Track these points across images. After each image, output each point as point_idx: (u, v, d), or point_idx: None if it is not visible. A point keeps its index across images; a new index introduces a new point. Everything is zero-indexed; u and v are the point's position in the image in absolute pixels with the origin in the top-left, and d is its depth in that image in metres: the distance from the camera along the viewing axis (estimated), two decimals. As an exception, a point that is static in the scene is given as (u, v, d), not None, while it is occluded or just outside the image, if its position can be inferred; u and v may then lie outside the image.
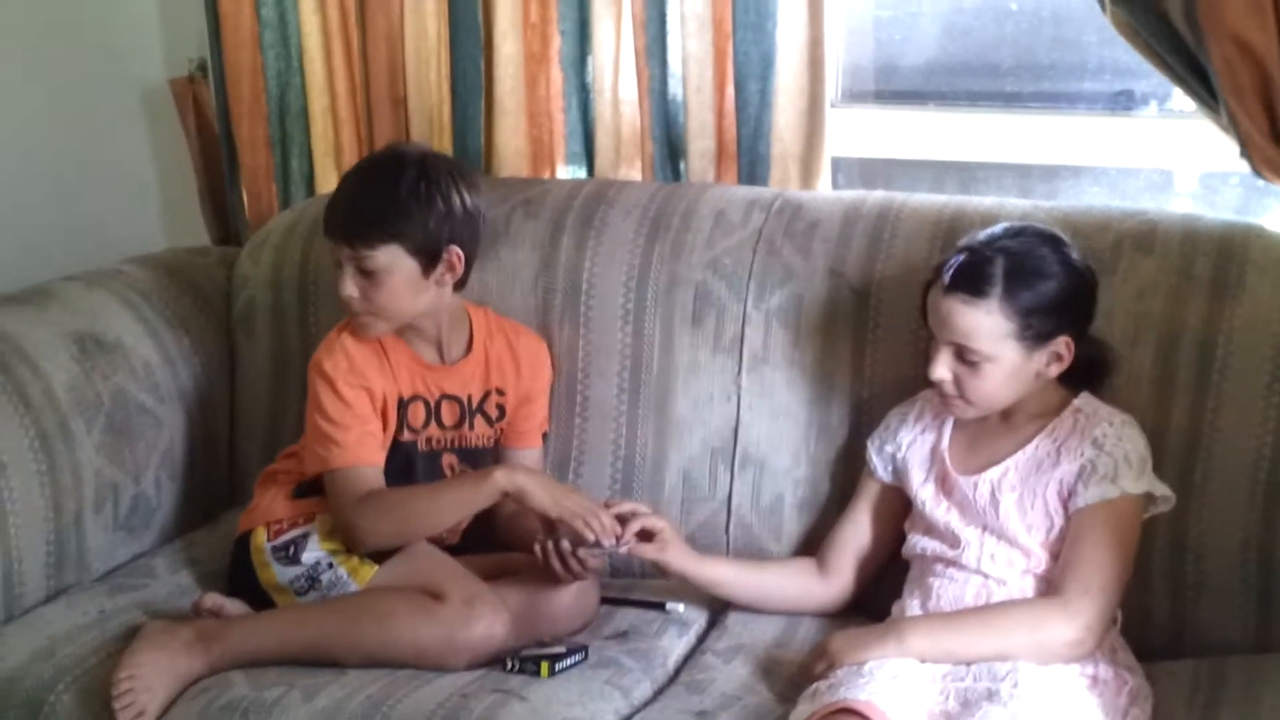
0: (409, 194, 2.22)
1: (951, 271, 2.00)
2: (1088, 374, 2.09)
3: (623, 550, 2.15)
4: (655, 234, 2.47)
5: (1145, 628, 2.12)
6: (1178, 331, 2.18)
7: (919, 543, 2.12)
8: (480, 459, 2.37)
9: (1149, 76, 2.59)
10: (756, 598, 2.26)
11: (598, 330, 2.46)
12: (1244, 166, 2.20)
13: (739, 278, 2.41)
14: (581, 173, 2.73)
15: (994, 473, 2.06)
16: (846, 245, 2.38)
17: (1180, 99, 2.57)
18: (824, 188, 2.61)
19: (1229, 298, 2.18)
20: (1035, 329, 1.99)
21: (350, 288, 2.23)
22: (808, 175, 2.61)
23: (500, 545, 2.38)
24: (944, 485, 2.11)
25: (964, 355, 2.00)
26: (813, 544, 2.34)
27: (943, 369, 2.02)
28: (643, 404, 2.44)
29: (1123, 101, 2.62)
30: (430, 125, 2.77)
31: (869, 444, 2.23)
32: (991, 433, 2.09)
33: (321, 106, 2.81)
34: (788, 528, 2.37)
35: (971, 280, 1.99)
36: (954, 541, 2.07)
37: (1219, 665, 2.07)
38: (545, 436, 2.45)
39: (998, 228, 2.07)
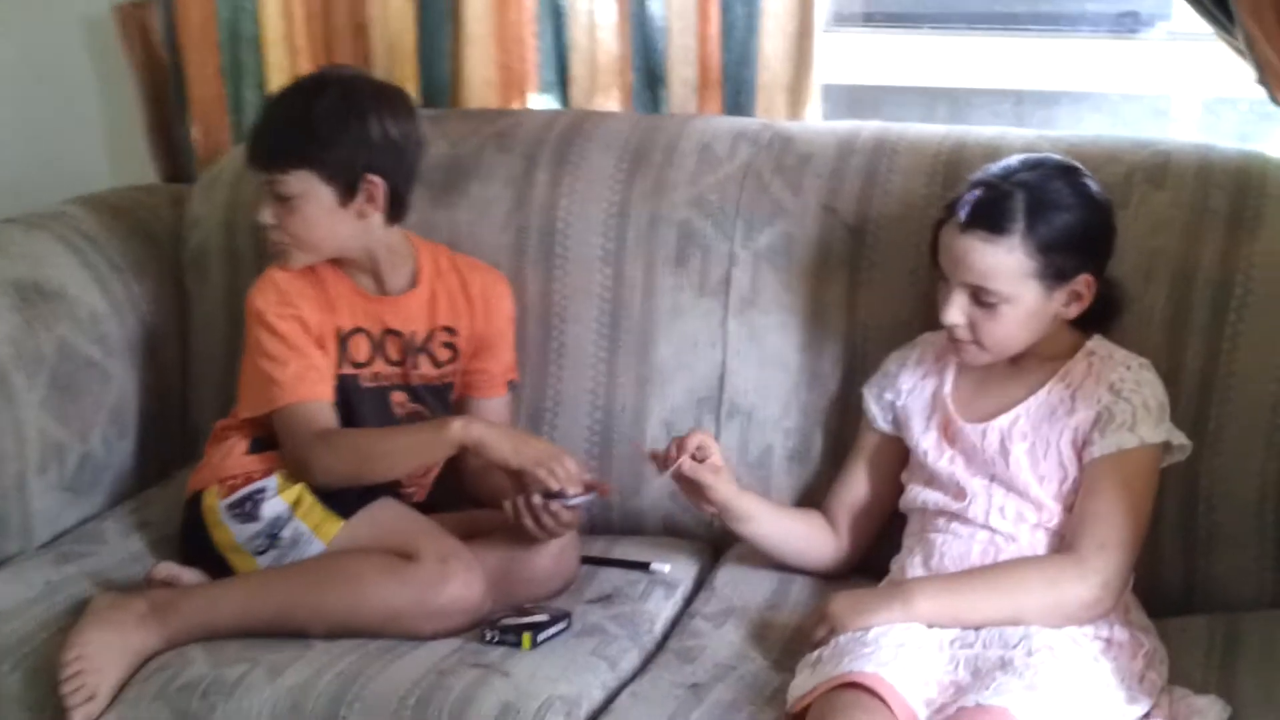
0: (324, 117, 2.08)
1: (968, 208, 1.86)
2: (1099, 315, 1.96)
3: (669, 472, 2.02)
4: (636, 169, 2.32)
5: (1155, 582, 2.01)
6: (1192, 269, 2.06)
7: (920, 495, 1.99)
8: (432, 398, 2.24)
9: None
10: (777, 542, 2.11)
11: (574, 272, 2.32)
12: (1256, 92, 2.09)
13: (725, 216, 2.27)
14: (555, 103, 2.57)
15: (1003, 420, 1.93)
16: (840, 180, 2.24)
17: (1181, 18, 2.45)
18: (813, 118, 2.47)
19: (1245, 233, 2.06)
20: (1057, 266, 1.87)
21: (266, 214, 2.13)
22: (796, 105, 2.46)
23: (471, 502, 2.25)
24: (947, 433, 1.98)
25: (980, 297, 1.87)
26: (804, 498, 2.22)
27: (956, 312, 1.89)
28: (623, 350, 2.30)
29: (1128, 23, 2.47)
30: (393, 53, 2.60)
31: (866, 392, 2.09)
32: (999, 378, 1.97)
33: (277, 33, 2.64)
34: (778, 481, 2.24)
35: (991, 217, 1.86)
36: (959, 493, 1.94)
37: (1233, 622, 1.97)
38: (514, 385, 2.31)
39: (1012, 160, 1.93)
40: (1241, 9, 2.05)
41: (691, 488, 2.02)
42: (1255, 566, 2.03)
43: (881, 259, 2.19)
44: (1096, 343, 1.96)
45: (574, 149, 2.36)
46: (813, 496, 2.20)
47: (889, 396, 2.06)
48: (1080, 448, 1.89)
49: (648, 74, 2.50)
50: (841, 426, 2.21)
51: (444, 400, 2.25)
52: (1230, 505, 2.03)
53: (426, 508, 2.19)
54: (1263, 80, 2.10)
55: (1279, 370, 2.01)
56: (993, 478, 1.93)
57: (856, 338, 2.21)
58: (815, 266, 2.22)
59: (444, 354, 2.24)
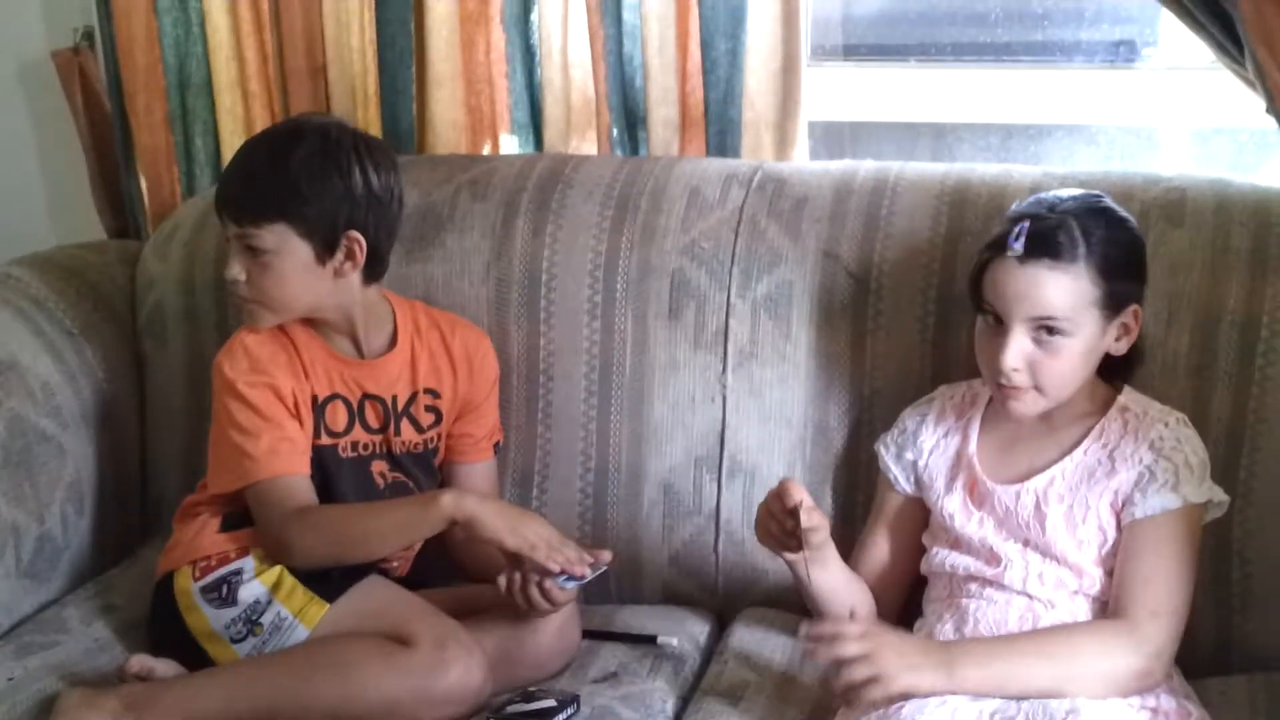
0: (302, 168, 1.94)
1: (1023, 239, 1.76)
2: (1122, 362, 1.86)
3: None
4: (622, 216, 2.20)
5: (1189, 641, 1.87)
6: (1216, 312, 1.97)
7: (946, 558, 1.88)
8: (414, 467, 2.10)
9: (1142, 22, 2.39)
10: (836, 587, 1.91)
11: (561, 326, 2.19)
12: (1251, 122, 2.07)
13: (720, 263, 2.15)
14: (528, 146, 2.45)
15: (1038, 481, 1.83)
16: (840, 224, 2.13)
17: (1169, 47, 2.38)
18: (800, 157, 2.36)
19: (1271, 273, 1.97)
20: (1115, 293, 1.79)
21: (236, 269, 1.98)
22: (783, 143, 2.36)
23: (458, 573, 2.11)
24: (974, 495, 1.87)
25: (1042, 335, 1.77)
26: (813, 559, 2.10)
27: (1016, 355, 1.77)
28: (615, 409, 2.18)
29: (1123, 53, 2.39)
30: (354, 97, 2.46)
31: (882, 450, 1.98)
32: (1029, 437, 1.86)
33: (228, 78, 2.49)
34: (785, 543, 2.13)
35: (1052, 244, 1.76)
36: (992, 558, 1.83)
37: (1274, 683, 1.88)
38: (498, 447, 2.18)
39: (1044, 194, 1.85)
40: (1251, 36, 1.97)
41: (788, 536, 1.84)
42: (1293, 622, 1.94)
43: (888, 306, 2.08)
44: (1129, 397, 1.86)
45: (555, 195, 2.23)
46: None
47: (910, 456, 1.94)
48: (1120, 509, 1.79)
49: (626, 114, 2.38)
50: (850, 484, 2.10)
51: (428, 467, 2.12)
52: (1265, 559, 1.94)
53: (412, 582, 2.06)
54: (1273, 110, 2.02)
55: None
56: (1028, 542, 1.82)
57: (864, 390, 2.10)
58: (817, 316, 2.11)
59: (427, 418, 2.10)
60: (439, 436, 2.12)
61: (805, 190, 2.17)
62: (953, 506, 1.88)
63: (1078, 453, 1.83)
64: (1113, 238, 1.79)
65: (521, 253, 2.21)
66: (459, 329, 2.15)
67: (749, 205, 2.18)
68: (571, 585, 1.89)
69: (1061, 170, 2.17)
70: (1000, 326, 1.78)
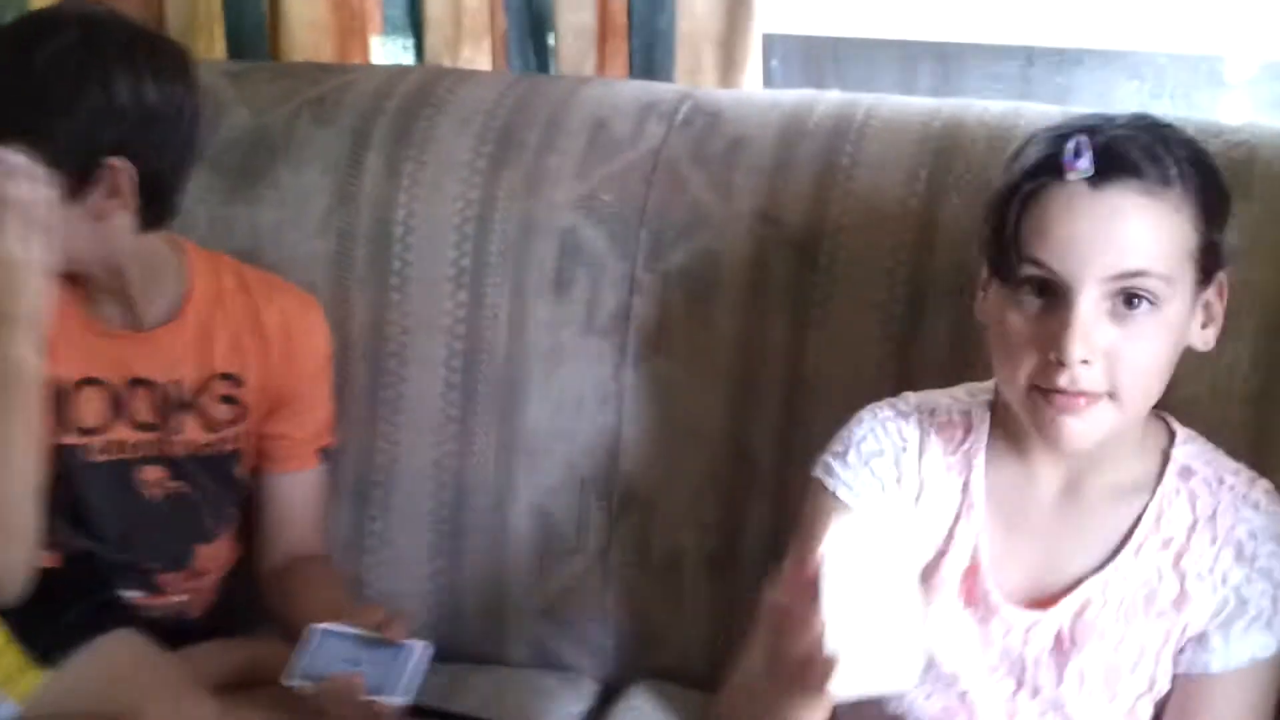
0: (49, 71, 1.41)
1: (1088, 153, 1.16)
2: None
3: None
4: (503, 154, 1.67)
5: None
6: (1291, 317, 1.42)
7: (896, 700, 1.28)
8: (204, 475, 1.59)
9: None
10: None
11: (418, 296, 1.67)
12: None
13: (625, 223, 1.62)
14: (407, 56, 1.91)
15: (1069, 604, 1.24)
16: (784, 175, 1.59)
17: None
18: (752, 84, 1.81)
19: (1373, 264, 1.41)
20: (1212, 244, 1.21)
21: None
22: (730, 65, 1.82)
23: (273, 621, 1.61)
24: (971, 595, 1.27)
25: (1121, 304, 1.16)
26: (730, 621, 1.57)
27: (1088, 337, 1.14)
28: (481, 407, 1.66)
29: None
30: (193, -13, 1.93)
31: (827, 481, 1.32)
32: (1050, 510, 1.27)
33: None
34: (691, 596, 1.61)
35: (1136, 160, 1.16)
36: (963, 707, 1.27)
37: None
38: (328, 453, 1.66)
39: (1090, 114, 1.25)
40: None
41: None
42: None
43: (839, 289, 1.55)
44: (1186, 443, 1.29)
45: (419, 122, 1.70)
46: (738, 618, 1.56)
47: (869, 493, 1.30)
48: (1181, 649, 1.23)
49: (529, 18, 1.84)
50: (779, 521, 1.57)
51: (224, 475, 1.61)
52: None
53: (205, 628, 1.58)
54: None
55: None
56: (1022, 684, 1.25)
57: (801, 398, 1.56)
58: (746, 297, 1.58)
59: (222, 412, 1.58)
60: (242, 437, 1.60)
61: (745, 129, 1.63)
62: (934, 607, 1.26)
63: (1126, 555, 1.24)
64: (1203, 161, 1.22)
65: (371, 197, 1.69)
66: (277, 295, 1.63)
67: (669, 146, 1.64)
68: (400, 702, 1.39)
69: (1088, 111, 1.59)
70: (1055, 299, 1.16)
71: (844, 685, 1.01)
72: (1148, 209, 1.16)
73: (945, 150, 1.55)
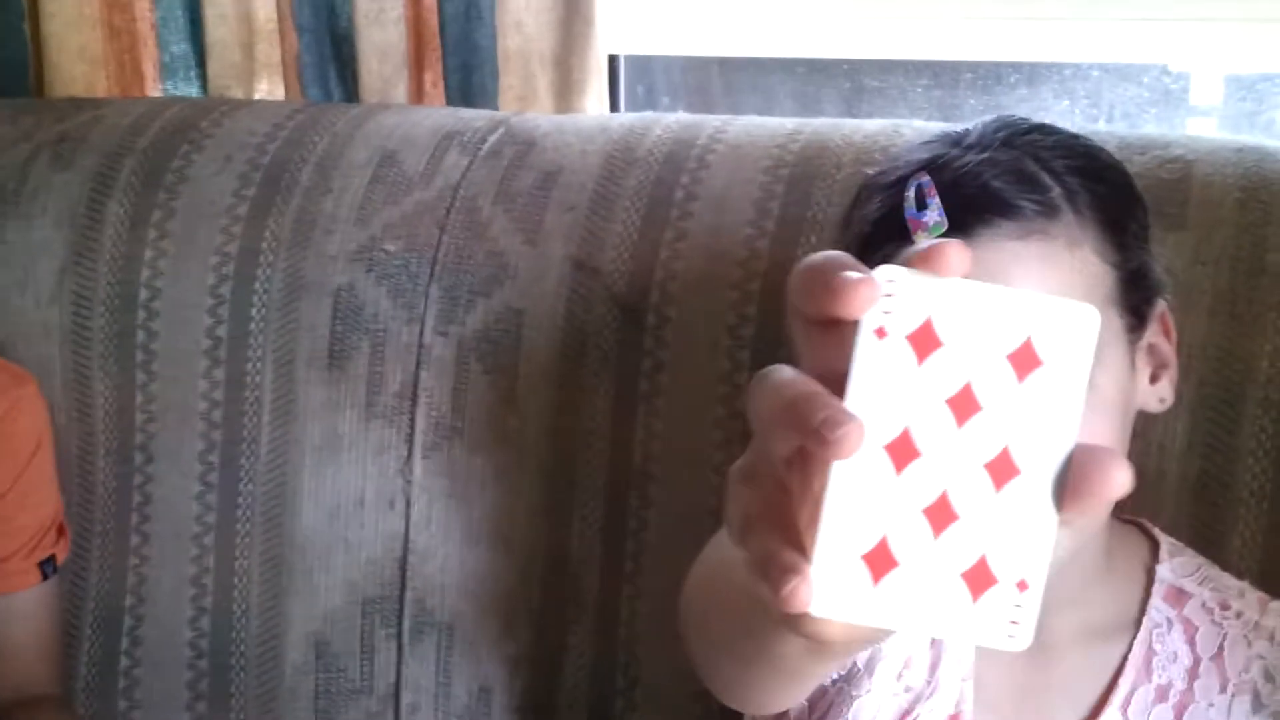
0: None
1: (935, 199, 0.85)
2: None
3: None
4: (269, 197, 1.35)
5: None
6: (1240, 381, 1.09)
7: None
8: None
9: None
10: None
11: (166, 373, 1.35)
12: None
13: (412, 278, 1.30)
14: (192, 90, 1.60)
15: None
16: (607, 213, 1.26)
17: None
18: (599, 109, 1.50)
19: (1337, 314, 1.08)
20: (1138, 273, 0.91)
21: None
22: (568, 89, 1.49)
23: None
24: None
25: None
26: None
27: None
28: (242, 511, 1.33)
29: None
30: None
31: None
32: (1017, 663, 0.94)
33: None
34: (503, 748, 1.27)
35: (1008, 190, 0.87)
36: None
37: None
38: (53, 566, 1.33)
39: (939, 135, 0.95)
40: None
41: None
42: None
43: (672, 354, 1.22)
44: (1172, 556, 0.99)
45: (174, 162, 1.38)
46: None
47: None
48: None
49: (330, 40, 1.53)
50: (606, 653, 1.24)
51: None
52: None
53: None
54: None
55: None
56: None
57: (631, 493, 1.23)
58: (560, 367, 1.25)
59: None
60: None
61: (560, 158, 1.31)
62: None
63: (1112, 713, 0.93)
64: (1093, 164, 0.92)
65: (113, 254, 1.37)
66: None
67: (469, 182, 1.32)
68: None
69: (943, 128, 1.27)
70: None
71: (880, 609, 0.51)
72: (1035, 256, 0.85)
73: (802, 179, 1.23)
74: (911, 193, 0.85)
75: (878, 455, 0.49)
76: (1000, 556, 0.50)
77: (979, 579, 0.50)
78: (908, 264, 0.50)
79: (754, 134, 1.29)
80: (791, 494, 0.51)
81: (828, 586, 0.49)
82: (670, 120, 1.33)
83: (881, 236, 0.87)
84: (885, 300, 0.49)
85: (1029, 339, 0.50)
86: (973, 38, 1.53)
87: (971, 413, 0.50)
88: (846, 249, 0.83)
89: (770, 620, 0.54)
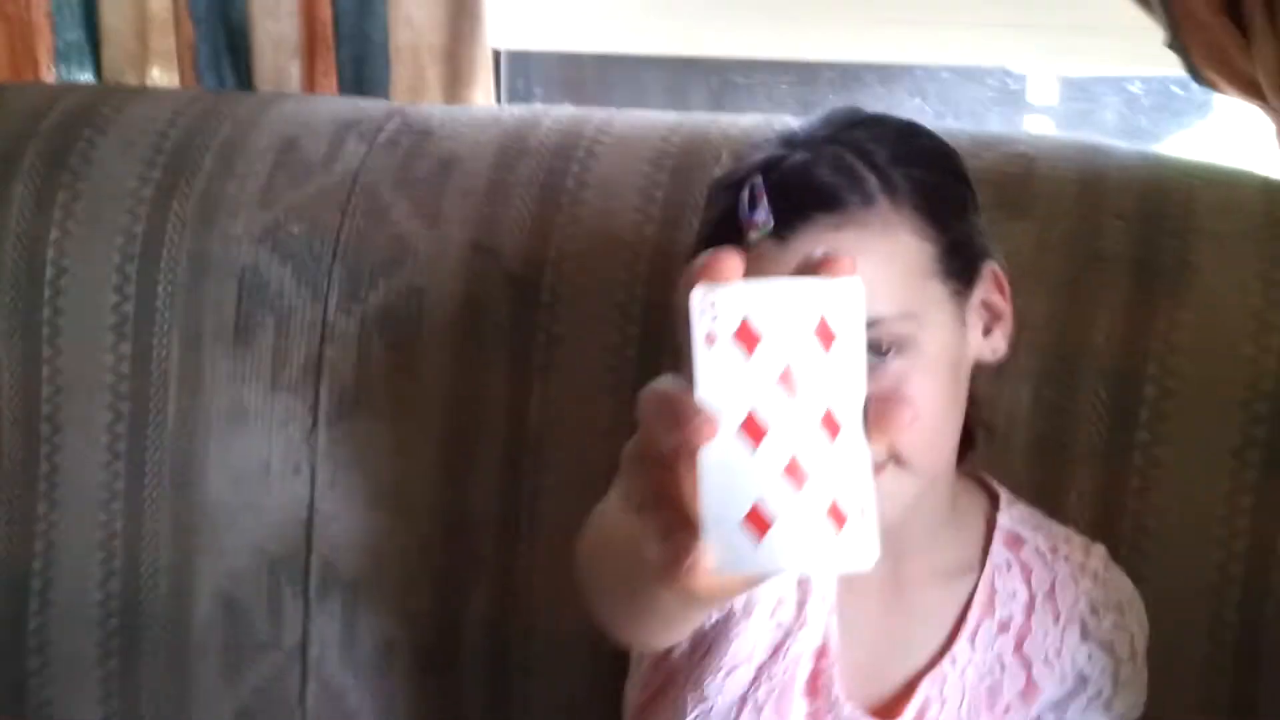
0: None
1: (763, 200, 0.94)
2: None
3: None
4: (174, 181, 1.41)
5: None
6: (1076, 354, 1.23)
7: None
8: None
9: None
10: None
11: (73, 350, 1.41)
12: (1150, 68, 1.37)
13: (315, 258, 1.37)
14: (87, 77, 1.65)
15: (910, 711, 1.04)
16: (502, 199, 1.36)
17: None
18: (485, 102, 1.58)
19: (1160, 294, 1.22)
20: (959, 244, 1.01)
21: None
22: (457, 81, 1.58)
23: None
24: (815, 685, 1.04)
25: (870, 352, 0.91)
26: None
27: None
28: (151, 478, 1.40)
29: (962, -39, 1.63)
30: None
31: None
32: (877, 602, 1.06)
33: None
34: (405, 698, 1.36)
35: (825, 185, 0.96)
36: None
37: None
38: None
39: (769, 136, 1.05)
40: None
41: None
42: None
43: (565, 329, 1.32)
44: (1010, 506, 1.11)
45: (77, 146, 1.44)
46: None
47: None
48: None
49: (223, 28, 1.59)
50: (504, 611, 1.34)
51: None
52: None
53: None
54: (1175, 43, 1.30)
55: (1224, 521, 1.19)
56: None
57: (526, 459, 1.32)
58: (458, 342, 1.34)
59: None
60: None
61: (456, 147, 1.40)
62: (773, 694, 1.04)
63: (962, 645, 1.05)
64: (911, 149, 1.02)
65: (18, 234, 1.42)
66: None
67: (369, 167, 1.40)
68: None
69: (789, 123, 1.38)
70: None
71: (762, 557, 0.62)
72: (853, 244, 0.94)
73: (684, 169, 1.33)
74: (745, 195, 0.95)
75: (735, 437, 0.60)
76: (846, 495, 0.61)
77: (836, 517, 0.61)
78: (697, 275, 0.61)
79: (637, 127, 1.39)
80: (678, 474, 0.62)
81: (720, 551, 0.61)
82: (558, 113, 1.43)
83: (722, 236, 0.95)
84: (708, 310, 0.60)
85: (823, 317, 0.61)
86: (832, 39, 1.65)
87: (796, 386, 0.61)
88: (697, 247, 0.96)
89: (653, 578, 0.64)
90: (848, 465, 0.61)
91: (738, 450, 0.60)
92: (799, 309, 0.61)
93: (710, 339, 0.60)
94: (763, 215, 0.94)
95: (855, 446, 0.61)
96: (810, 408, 0.61)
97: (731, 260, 0.61)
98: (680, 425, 0.60)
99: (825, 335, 0.61)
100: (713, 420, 0.59)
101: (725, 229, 0.96)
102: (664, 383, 0.63)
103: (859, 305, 0.61)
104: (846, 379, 0.61)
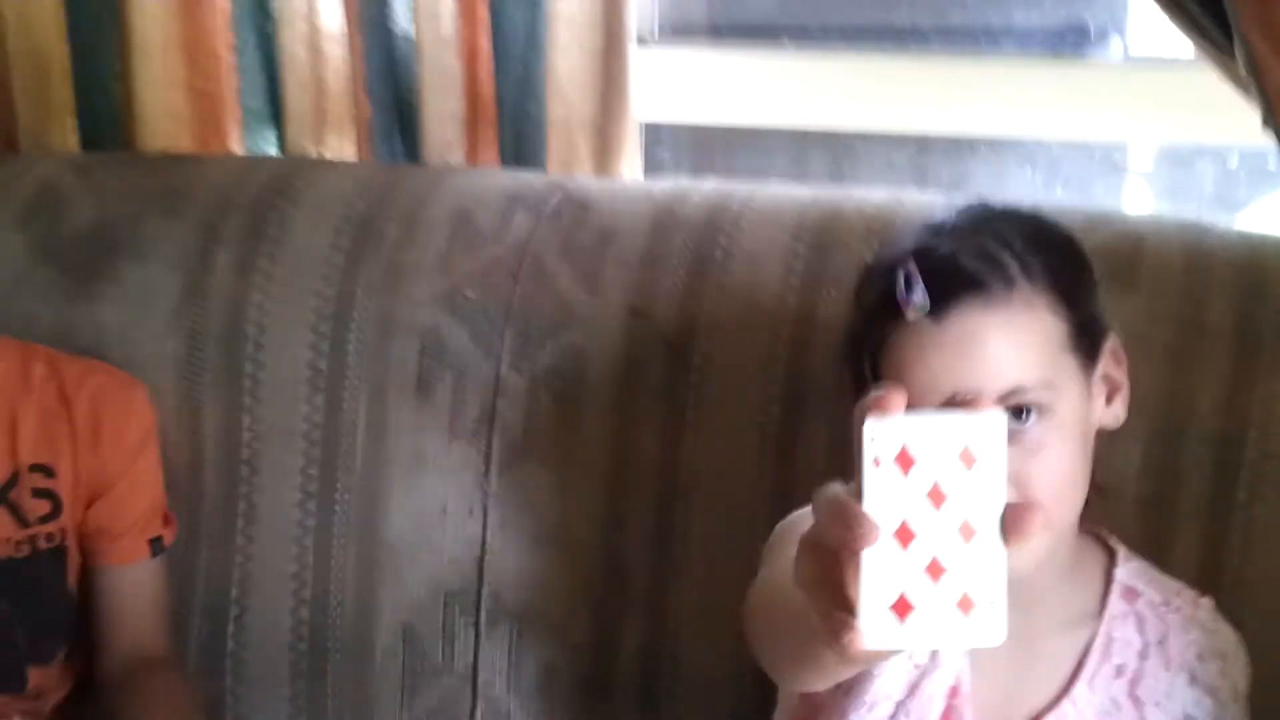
0: None
1: (919, 285, 1.08)
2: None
3: None
4: (362, 249, 1.57)
5: None
6: (1182, 418, 1.35)
7: None
8: (21, 577, 1.47)
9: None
10: None
11: (270, 400, 1.57)
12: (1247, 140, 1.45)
13: (490, 321, 1.53)
14: (269, 147, 1.82)
15: None
16: (656, 269, 1.50)
17: (1130, 36, 1.77)
18: (633, 173, 1.73)
19: (1262, 366, 1.35)
20: (1086, 321, 1.15)
21: None
22: (606, 152, 1.73)
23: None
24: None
25: (1011, 420, 1.08)
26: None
27: None
28: (339, 518, 1.55)
29: (1074, 40, 1.76)
30: (40, 76, 1.82)
31: None
32: (1004, 647, 1.19)
33: None
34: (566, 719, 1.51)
35: (973, 272, 1.10)
36: None
37: None
38: (161, 546, 1.55)
39: (910, 229, 1.20)
40: (1246, 21, 1.36)
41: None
42: None
43: (714, 388, 1.46)
44: (1126, 562, 1.24)
45: (273, 215, 1.60)
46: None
47: None
48: None
49: (395, 105, 1.75)
50: (655, 641, 1.48)
51: (51, 576, 1.49)
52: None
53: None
54: (1271, 123, 1.41)
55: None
56: None
57: (676, 506, 1.47)
58: (617, 398, 1.49)
59: (38, 507, 1.47)
60: (62, 533, 1.49)
61: (615, 220, 1.55)
62: None
63: (1080, 687, 1.17)
64: (1042, 237, 1.16)
65: (221, 295, 1.59)
66: (90, 377, 1.52)
67: (537, 239, 1.55)
68: None
69: (970, 200, 1.52)
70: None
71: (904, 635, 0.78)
72: (999, 323, 1.09)
73: (822, 243, 1.47)
74: (901, 280, 1.09)
75: (889, 539, 0.77)
76: (976, 588, 0.77)
77: (965, 605, 0.77)
78: (868, 407, 0.77)
79: (780, 200, 1.54)
80: (842, 565, 0.77)
81: (870, 630, 0.77)
82: (704, 188, 1.57)
83: (883, 313, 1.12)
84: (876, 438, 0.77)
85: (967, 446, 0.77)
86: (946, 114, 1.78)
87: (942, 500, 0.77)
88: (859, 322, 1.13)
89: (818, 643, 0.80)
90: (980, 562, 0.77)
91: (891, 550, 0.76)
92: (947, 438, 0.77)
93: (876, 462, 0.77)
94: (920, 297, 1.08)
95: (989, 547, 0.77)
96: (952, 517, 0.77)
97: (896, 396, 0.77)
98: (849, 529, 0.76)
99: (968, 459, 0.77)
100: (876, 529, 0.75)
101: (885, 307, 1.11)
102: (835, 488, 0.79)
103: (999, 435, 0.77)
104: (985, 494, 0.77)
